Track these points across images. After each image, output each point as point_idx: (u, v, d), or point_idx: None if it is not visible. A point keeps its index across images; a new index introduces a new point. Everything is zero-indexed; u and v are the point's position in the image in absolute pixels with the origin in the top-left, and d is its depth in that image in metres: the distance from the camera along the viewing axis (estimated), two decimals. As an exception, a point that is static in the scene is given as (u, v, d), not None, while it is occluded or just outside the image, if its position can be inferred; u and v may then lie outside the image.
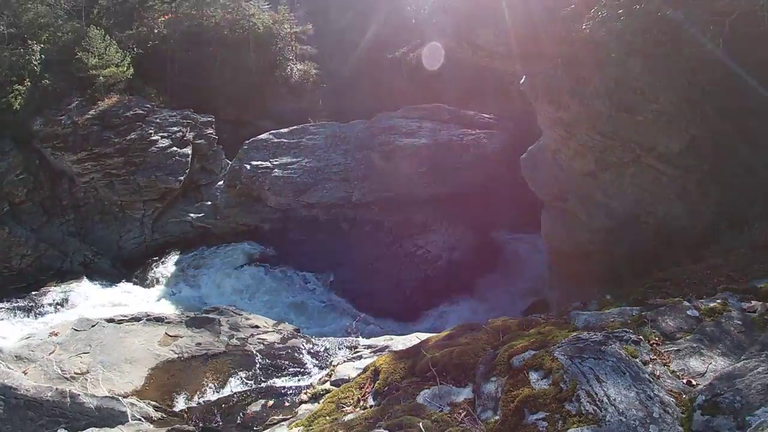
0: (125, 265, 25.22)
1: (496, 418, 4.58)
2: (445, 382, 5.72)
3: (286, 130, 28.28)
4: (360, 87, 33.97)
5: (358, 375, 7.52)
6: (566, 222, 17.19)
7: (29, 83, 27.87)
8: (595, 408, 4.01)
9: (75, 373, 12.42)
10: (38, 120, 27.36)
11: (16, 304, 20.99)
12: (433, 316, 21.27)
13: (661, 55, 11.85)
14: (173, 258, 25.15)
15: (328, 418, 6.37)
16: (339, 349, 13.15)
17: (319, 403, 7.54)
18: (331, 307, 22.45)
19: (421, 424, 4.83)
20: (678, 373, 4.77)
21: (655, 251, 13.00)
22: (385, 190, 24.23)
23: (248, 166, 26.21)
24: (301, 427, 6.52)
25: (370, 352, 10.56)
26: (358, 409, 6.39)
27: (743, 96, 11.76)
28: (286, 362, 12.75)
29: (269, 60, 36.53)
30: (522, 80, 16.99)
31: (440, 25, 20.33)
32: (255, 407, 10.62)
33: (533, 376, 4.70)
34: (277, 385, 11.60)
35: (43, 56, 29.45)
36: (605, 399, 4.08)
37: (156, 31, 36.19)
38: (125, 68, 30.06)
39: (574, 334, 5.18)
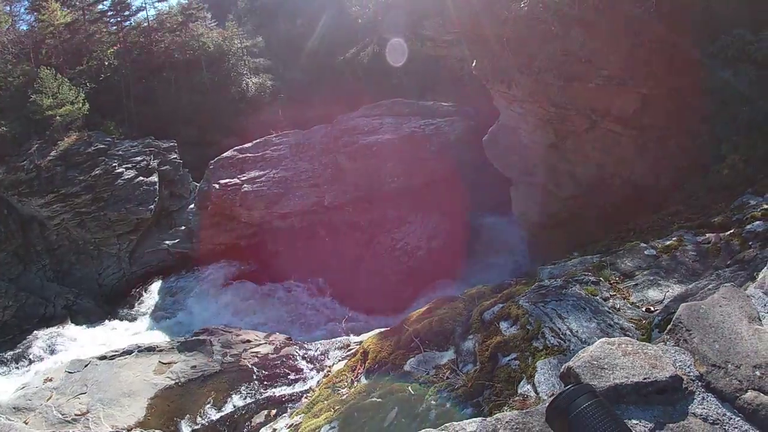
0: (108, 302, 25.13)
1: (476, 368, 4.94)
2: (428, 350, 6.07)
3: (249, 144, 28.45)
4: (318, 92, 34.41)
5: (349, 359, 7.81)
6: (535, 195, 17.79)
7: (-16, 132, 27.35)
8: (560, 341, 4.40)
9: (76, 415, 12.38)
10: (0, 168, 27.01)
11: (4, 356, 20.77)
12: (420, 305, 21.58)
13: (602, 21, 12.26)
14: (155, 287, 25.24)
15: (325, 402, 6.68)
16: (332, 350, 13.12)
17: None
18: (319, 312, 22.79)
19: (409, 387, 5.17)
20: (637, 304, 5.20)
21: (625, 209, 13.58)
22: (355, 190, 24.48)
23: (217, 186, 26.28)
24: (302, 414, 6.81)
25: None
26: (353, 390, 6.69)
27: (689, 50, 12.28)
28: (283, 371, 12.83)
29: (223, 77, 36.64)
30: (473, 64, 17.43)
31: (390, 21, 20.75)
32: (258, 418, 10.70)
33: (503, 325, 5.10)
34: (278, 395, 11.71)
35: (-5, 103, 29.01)
36: (568, 332, 4.47)
37: (107, 63, 36.12)
38: (81, 105, 30.05)
39: (537, 283, 5.62)
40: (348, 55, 32.88)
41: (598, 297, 5.17)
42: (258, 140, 28.60)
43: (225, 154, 28.14)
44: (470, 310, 6.37)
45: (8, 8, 43.61)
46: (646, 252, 6.35)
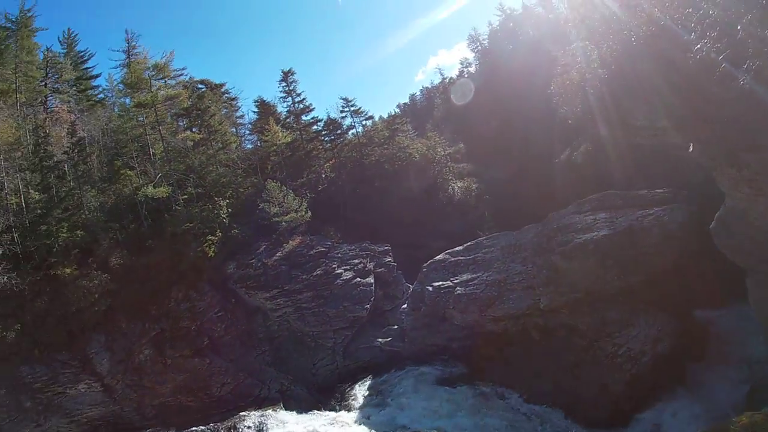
0: (320, 391, 29.35)
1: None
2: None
3: (460, 247, 32.49)
4: (520, 190, 37.43)
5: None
6: None
7: (220, 233, 35.16)
8: None
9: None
10: (231, 264, 34.49)
11: (215, 428, 25.85)
12: (648, 419, 21.75)
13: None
14: (366, 383, 28.90)
15: None
16: None
17: None
18: (534, 422, 23.69)
19: None
20: None
21: None
22: (572, 292, 25.85)
23: (430, 288, 30.33)
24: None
25: None
26: None
27: None
28: None
29: (430, 184, 42.12)
30: (690, 149, 18.59)
31: (597, 116, 22.21)
32: None
33: None
34: None
35: (229, 210, 37.25)
36: None
37: (324, 176, 44.01)
38: (303, 212, 37.31)
39: None
40: (563, 156, 36.12)
41: None
42: (469, 243, 32.47)
43: (437, 258, 32.41)
44: None
45: (234, 130, 55.48)
46: None
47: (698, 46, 13.41)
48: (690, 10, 13.63)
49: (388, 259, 35.18)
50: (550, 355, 25.30)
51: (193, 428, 25.93)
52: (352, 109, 50.67)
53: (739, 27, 12.25)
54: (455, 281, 30.12)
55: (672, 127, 17.37)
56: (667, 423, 21.21)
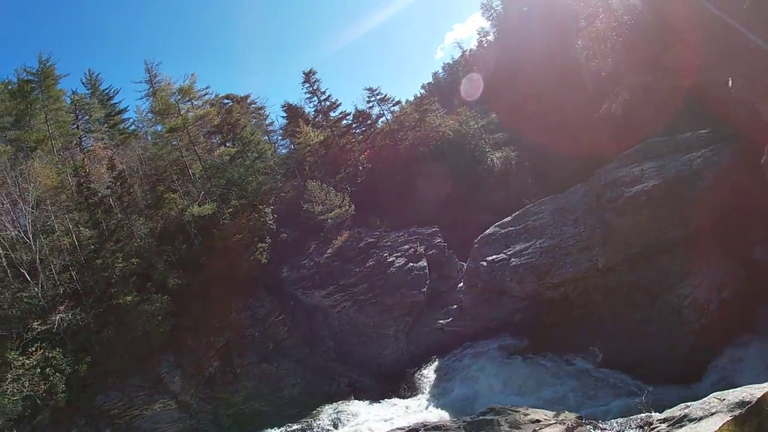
0: (388, 380, 29.49)
1: None
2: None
3: (509, 218, 32.01)
4: (562, 152, 36.56)
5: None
6: None
7: (269, 240, 35.78)
8: None
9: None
10: (284, 268, 35.08)
11: (292, 429, 26.27)
12: (720, 367, 21.25)
13: None
14: (432, 365, 28.83)
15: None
16: (631, 428, 13.77)
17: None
18: (605, 385, 23.27)
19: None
20: None
21: None
22: (629, 248, 25.21)
23: (484, 263, 30.06)
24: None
25: (668, 426, 10.78)
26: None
27: None
28: None
29: (468, 158, 41.68)
30: (730, 84, 17.82)
31: (629, 63, 21.47)
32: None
33: None
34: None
35: (274, 215, 37.84)
36: None
37: (361, 167, 44.06)
38: (347, 207, 37.43)
39: None
40: (601, 110, 35.16)
41: None
42: (517, 212, 31.93)
43: (487, 231, 32.07)
44: None
45: (266, 138, 56.09)
46: None
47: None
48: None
49: (438, 240, 34.96)
50: (615, 316, 24.78)
51: (269, 430, 26.46)
52: (378, 97, 50.67)
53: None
54: (509, 253, 29.72)
55: (708, 65, 16.75)
56: (740, 370, 20.51)
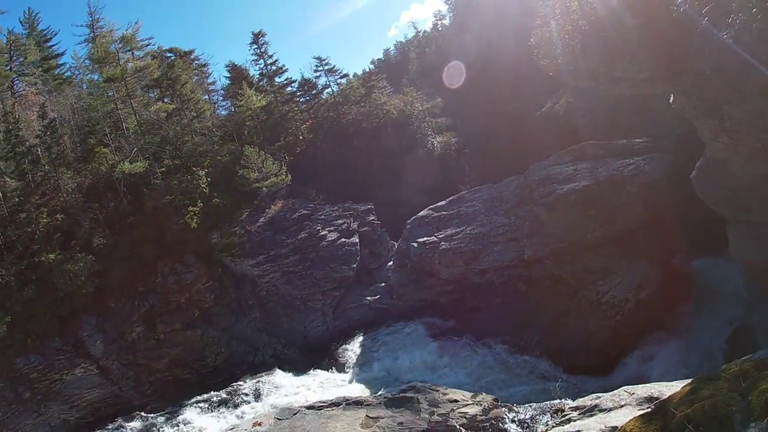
0: (312, 352, 29.55)
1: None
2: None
3: (443, 202, 32.45)
4: (502, 143, 37.42)
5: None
6: (755, 233, 18.10)
7: (201, 204, 34.67)
8: None
9: (283, 462, 14.93)
10: (215, 234, 33.92)
11: (214, 398, 25.89)
12: (632, 363, 22.32)
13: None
14: (357, 340, 29.12)
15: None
16: (544, 414, 14.53)
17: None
18: (522, 370, 24.14)
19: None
20: None
21: None
22: (556, 242, 26.10)
23: (415, 244, 30.34)
24: None
25: (579, 414, 11.07)
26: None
27: None
28: None
29: (410, 140, 41.84)
30: (671, 99, 18.51)
31: (577, 68, 22.13)
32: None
33: None
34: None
35: (208, 179, 36.65)
36: None
37: (301, 137, 43.40)
38: (284, 176, 36.77)
39: None
40: (544, 108, 35.94)
41: None
42: (452, 198, 32.44)
43: (421, 213, 32.37)
44: (741, 392, 7.05)
45: (207, 97, 54.39)
46: None
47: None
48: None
49: (372, 217, 35.12)
50: (536, 305, 25.58)
51: (192, 400, 25.94)
52: (326, 68, 49.85)
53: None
54: (440, 236, 30.14)
55: (654, 79, 17.19)
56: (650, 367, 21.64)
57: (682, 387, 8.38)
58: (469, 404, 16.44)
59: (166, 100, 43.68)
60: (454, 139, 43.14)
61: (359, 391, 24.57)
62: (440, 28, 68.38)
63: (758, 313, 18.98)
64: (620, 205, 24.84)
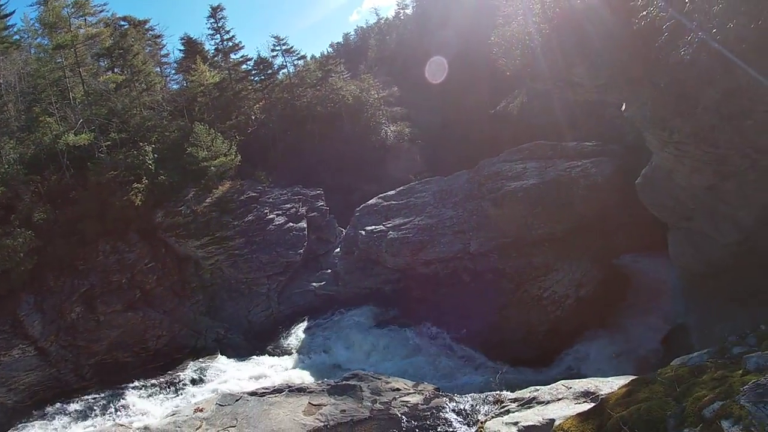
0: (256, 338, 29.07)
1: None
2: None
3: (393, 192, 32.41)
4: (455, 137, 37.60)
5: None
6: (694, 241, 18.79)
7: (146, 180, 33.26)
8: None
9: (224, 448, 14.60)
10: (159, 212, 32.56)
11: (155, 382, 24.97)
12: (569, 358, 22.90)
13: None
14: (301, 326, 28.85)
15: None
16: (483, 404, 14.63)
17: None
18: (464, 361, 24.46)
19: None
20: None
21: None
22: (501, 237, 26.64)
23: (363, 232, 30.25)
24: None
25: (517, 406, 11.13)
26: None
27: None
28: (433, 423, 14.56)
29: (363, 127, 41.54)
30: (623, 108, 19.00)
31: (536, 70, 22.51)
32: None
33: (725, 424, 5.85)
34: (428, 447, 13.20)
35: (155, 155, 35.28)
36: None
37: (254, 117, 42.46)
38: (233, 156, 35.74)
39: (753, 381, 6.21)
40: (499, 107, 36.20)
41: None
42: (402, 188, 32.43)
43: (370, 202, 32.26)
44: (676, 397, 7.20)
45: (159, 70, 52.50)
46: None
47: (644, 12, 13.25)
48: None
49: (321, 203, 34.69)
50: (479, 297, 25.88)
51: (133, 384, 24.88)
52: (283, 47, 48.87)
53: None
54: (388, 225, 30.16)
55: (609, 87, 17.48)
56: (586, 362, 22.23)
57: (619, 388, 8.53)
58: (410, 393, 16.55)
59: (116, 70, 41.94)
60: (407, 129, 43.01)
61: (302, 377, 24.22)
62: (402, 17, 68.13)
63: (694, 315, 19.52)
64: (565, 204, 25.49)
